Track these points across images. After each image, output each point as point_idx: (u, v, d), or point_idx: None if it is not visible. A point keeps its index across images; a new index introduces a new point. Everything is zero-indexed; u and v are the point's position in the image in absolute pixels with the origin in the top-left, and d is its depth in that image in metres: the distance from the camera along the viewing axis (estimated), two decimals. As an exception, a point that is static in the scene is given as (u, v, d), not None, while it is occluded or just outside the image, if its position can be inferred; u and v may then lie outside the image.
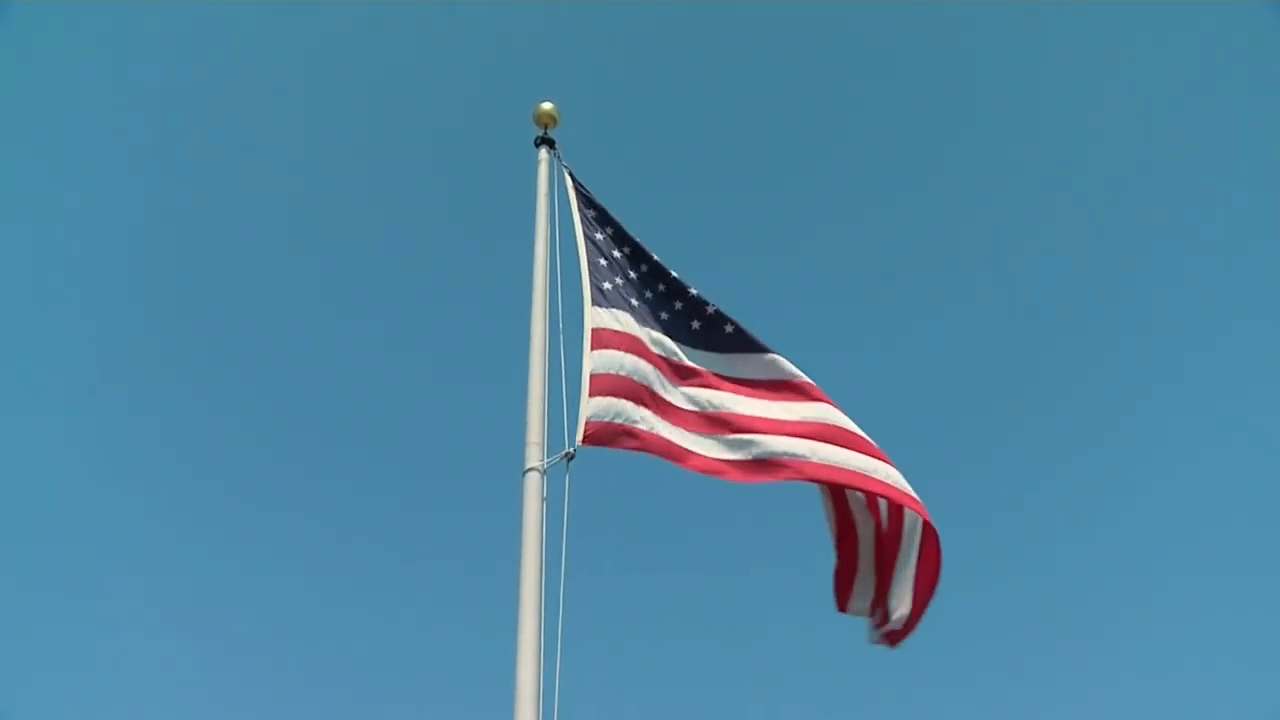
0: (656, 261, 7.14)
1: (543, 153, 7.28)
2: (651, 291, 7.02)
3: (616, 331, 6.54)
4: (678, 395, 6.71)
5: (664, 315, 6.97)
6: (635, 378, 6.46)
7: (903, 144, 22.76)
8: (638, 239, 7.18)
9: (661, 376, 6.68)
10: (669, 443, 6.44)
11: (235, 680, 17.13)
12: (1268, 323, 18.73)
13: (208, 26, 19.88)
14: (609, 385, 6.29)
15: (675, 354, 6.86)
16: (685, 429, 6.58)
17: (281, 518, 19.63)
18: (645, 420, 6.38)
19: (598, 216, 7.14)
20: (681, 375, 6.80)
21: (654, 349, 6.75)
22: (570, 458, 5.99)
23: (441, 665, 18.29)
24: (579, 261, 6.79)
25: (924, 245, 22.35)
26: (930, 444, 19.77)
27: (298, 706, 17.02)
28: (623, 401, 6.31)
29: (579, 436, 6.02)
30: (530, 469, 5.91)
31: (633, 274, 7.03)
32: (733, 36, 22.70)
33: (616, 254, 7.04)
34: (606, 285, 6.79)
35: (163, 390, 19.93)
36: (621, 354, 6.46)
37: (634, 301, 6.89)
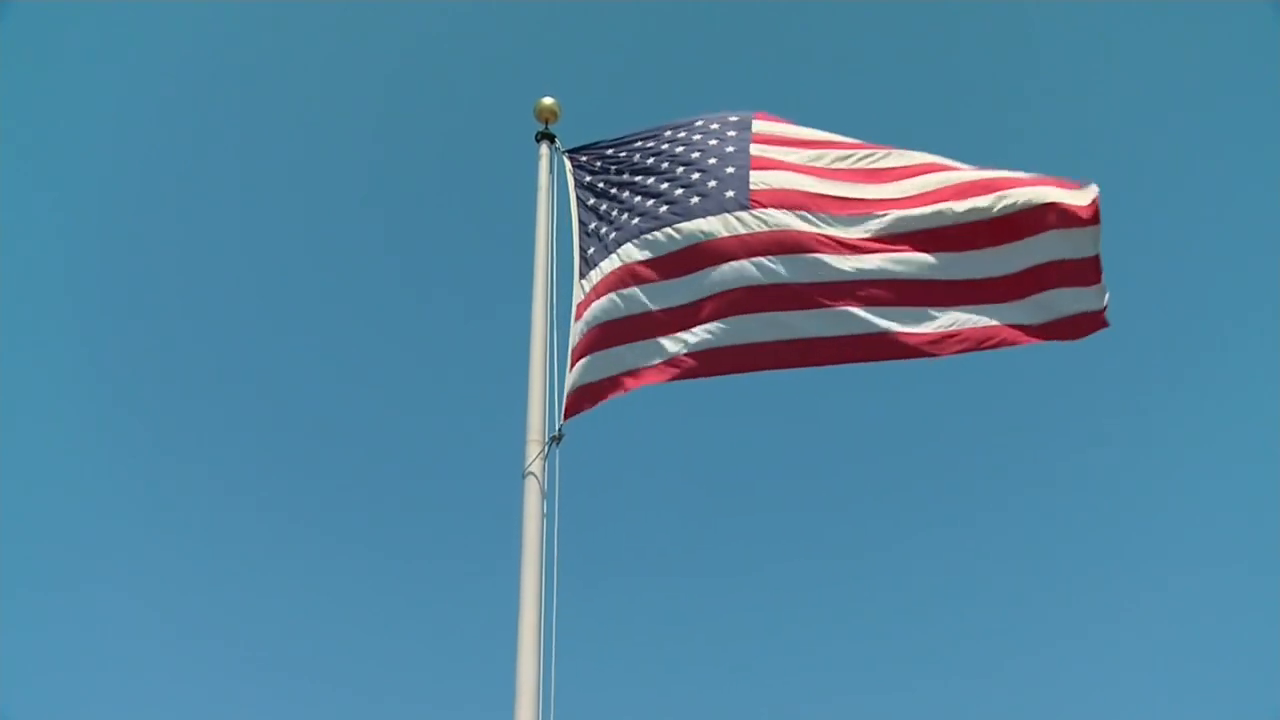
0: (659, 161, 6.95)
1: (543, 148, 7.29)
2: (639, 213, 6.78)
3: (592, 288, 6.53)
4: (670, 294, 6.43)
5: (658, 211, 6.69)
6: (607, 318, 6.39)
7: (902, 141, 22.71)
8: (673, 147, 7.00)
9: (648, 287, 6.45)
10: (643, 371, 6.32)
11: (235, 680, 17.12)
12: (1268, 323, 18.72)
13: (207, 24, 19.88)
14: (582, 347, 6.33)
15: (662, 249, 6.53)
16: (675, 333, 6.37)
17: (279, 517, 19.60)
18: (620, 359, 6.30)
19: (614, 168, 7.08)
20: (669, 268, 6.47)
21: (632, 262, 6.54)
22: (557, 440, 6.03)
23: (441, 664, 18.28)
24: (574, 244, 6.84)
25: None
26: (929, 442, 19.78)
27: (297, 706, 17.00)
28: (595, 355, 6.31)
29: (561, 415, 6.13)
30: (530, 467, 5.92)
31: (614, 211, 6.89)
32: (733, 31, 22.70)
33: (607, 203, 6.95)
34: (591, 250, 6.76)
35: (161, 390, 19.91)
36: (591, 307, 6.43)
37: (614, 234, 6.70)
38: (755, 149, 6.76)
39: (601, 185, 7.07)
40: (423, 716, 17.48)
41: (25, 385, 18.12)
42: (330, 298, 21.08)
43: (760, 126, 6.92)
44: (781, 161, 6.65)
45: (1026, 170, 6.38)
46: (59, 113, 19.22)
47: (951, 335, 6.16)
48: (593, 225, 6.88)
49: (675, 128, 7.14)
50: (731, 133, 6.92)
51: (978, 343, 6.19)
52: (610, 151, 7.23)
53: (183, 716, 16.51)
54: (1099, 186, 6.12)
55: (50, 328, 19.01)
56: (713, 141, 6.92)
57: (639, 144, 7.14)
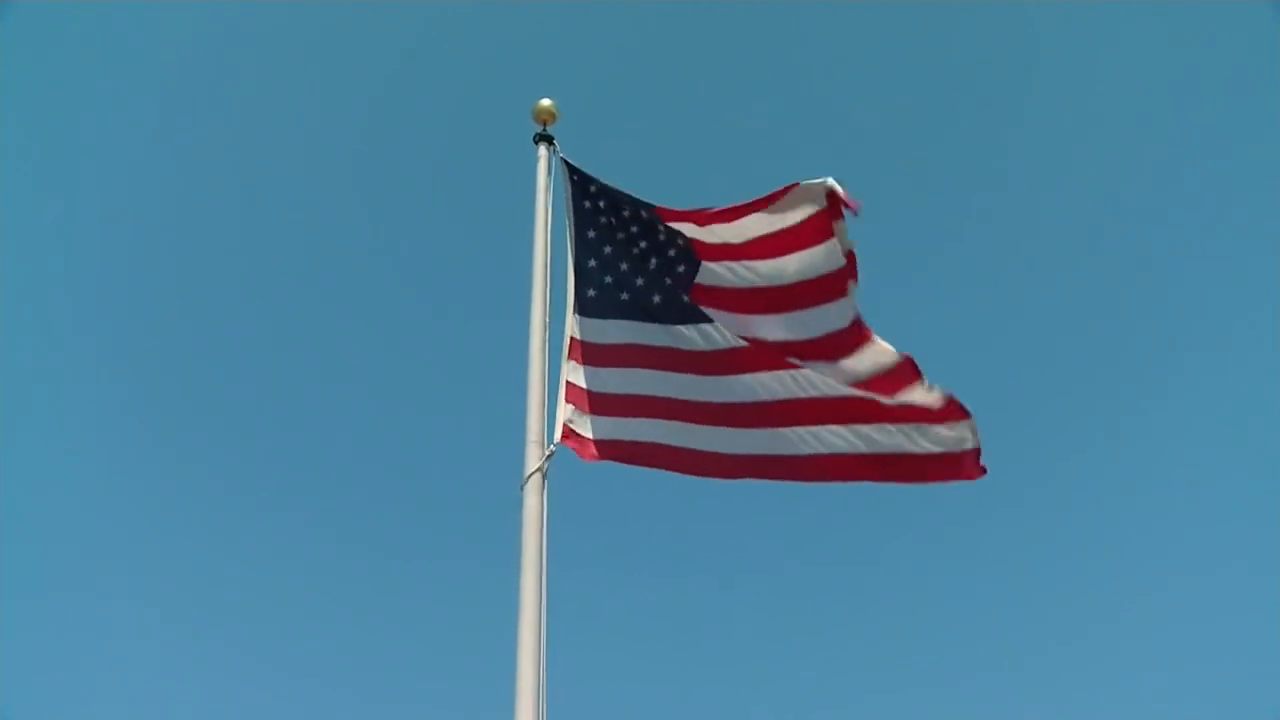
0: (659, 238, 7.06)
1: (541, 150, 7.26)
2: (643, 277, 6.99)
3: (592, 344, 6.78)
4: (682, 385, 6.77)
5: (656, 299, 6.95)
6: (607, 390, 6.69)
7: (903, 139, 22.74)
8: (648, 211, 7.09)
9: (657, 373, 6.78)
10: (652, 446, 6.68)
11: (235, 680, 17.12)
12: (1268, 323, 18.71)
13: (206, 25, 19.88)
14: (579, 397, 6.60)
15: (669, 341, 6.86)
16: (689, 422, 6.73)
17: (280, 517, 19.63)
18: (616, 429, 6.61)
19: (605, 204, 7.12)
20: (683, 362, 6.83)
21: (644, 342, 6.84)
22: (550, 456, 6.11)
23: (442, 665, 18.29)
24: (569, 264, 6.94)
25: (922, 241, 22.35)
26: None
27: (297, 706, 17.01)
28: (594, 416, 6.60)
29: (557, 434, 6.28)
30: (531, 468, 5.92)
31: (624, 266, 7.02)
32: (732, 31, 22.69)
33: (610, 248, 7.04)
34: (591, 291, 6.89)
35: (161, 390, 19.92)
36: (593, 368, 6.70)
37: (624, 295, 6.92)
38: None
39: (605, 221, 7.12)
40: (423, 717, 17.50)
41: (25, 385, 18.15)
42: (329, 300, 21.10)
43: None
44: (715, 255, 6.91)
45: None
46: (59, 113, 19.24)
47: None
48: (591, 264, 6.99)
49: (636, 213, 7.15)
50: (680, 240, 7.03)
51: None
52: (601, 196, 7.21)
53: (183, 716, 16.54)
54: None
55: (50, 328, 19.04)
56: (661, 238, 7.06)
57: (625, 205, 7.15)
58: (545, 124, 7.35)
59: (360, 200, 21.39)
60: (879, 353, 6.40)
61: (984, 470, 6.46)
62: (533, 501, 5.86)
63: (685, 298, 6.91)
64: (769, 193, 6.57)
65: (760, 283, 6.66)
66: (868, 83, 22.61)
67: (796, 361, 6.60)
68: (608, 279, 6.96)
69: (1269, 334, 18.33)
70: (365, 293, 21.26)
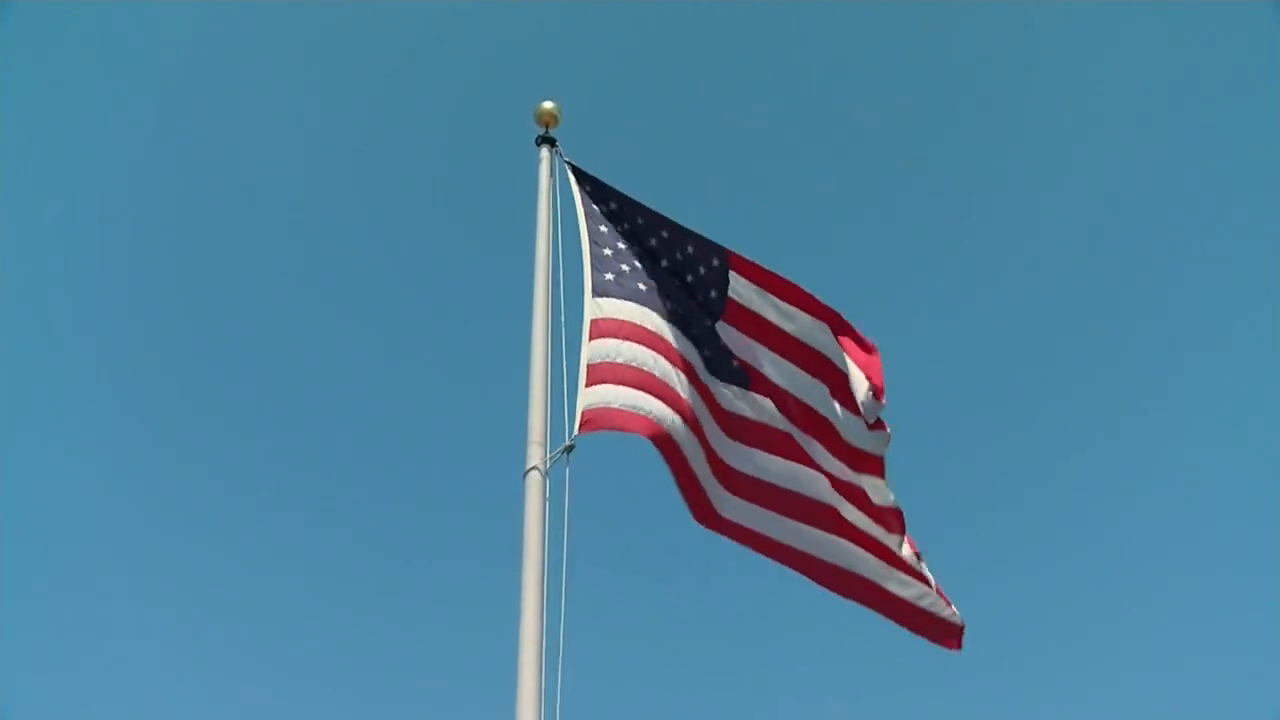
0: (671, 260, 7.03)
1: (544, 152, 7.24)
2: (661, 295, 6.88)
3: (616, 320, 6.42)
4: (701, 402, 6.67)
5: (670, 306, 6.86)
6: (636, 364, 6.29)
7: (903, 139, 22.74)
8: (657, 231, 7.05)
9: (679, 374, 6.50)
10: (675, 443, 6.40)
11: (235, 680, 17.14)
12: (1268, 323, 18.72)
13: (206, 25, 19.88)
14: (605, 373, 6.16)
15: (696, 362, 6.77)
16: (721, 432, 6.73)
17: (281, 517, 19.64)
18: (650, 408, 6.19)
19: (613, 210, 7.08)
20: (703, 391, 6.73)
21: (674, 343, 6.61)
22: (569, 450, 5.92)
23: (443, 666, 18.30)
24: (581, 255, 6.72)
25: (922, 242, 22.36)
26: (928, 443, 19.79)
27: (297, 706, 17.03)
28: (620, 388, 6.14)
29: (576, 427, 5.91)
30: (532, 468, 5.89)
31: (627, 271, 6.91)
32: (734, 32, 22.68)
33: (622, 245, 6.96)
34: (609, 275, 6.67)
35: (161, 390, 19.92)
36: (619, 341, 6.32)
37: (641, 286, 6.74)
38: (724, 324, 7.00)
39: (627, 227, 7.06)
40: (423, 717, 17.52)
41: (25, 385, 18.15)
42: (329, 300, 21.11)
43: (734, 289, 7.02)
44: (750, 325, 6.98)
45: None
46: (59, 113, 19.24)
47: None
48: (606, 253, 6.82)
49: (659, 236, 7.06)
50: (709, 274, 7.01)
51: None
52: (617, 219, 7.12)
53: (183, 716, 16.55)
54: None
55: (50, 328, 19.05)
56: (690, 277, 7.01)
57: (639, 220, 7.07)
58: (547, 126, 7.33)
59: (360, 200, 21.39)
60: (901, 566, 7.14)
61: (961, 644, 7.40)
62: (534, 501, 5.83)
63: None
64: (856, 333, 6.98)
65: (797, 393, 6.96)
66: (868, 83, 22.61)
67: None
68: (624, 267, 6.80)
69: (1269, 334, 18.35)
70: (365, 293, 21.28)
